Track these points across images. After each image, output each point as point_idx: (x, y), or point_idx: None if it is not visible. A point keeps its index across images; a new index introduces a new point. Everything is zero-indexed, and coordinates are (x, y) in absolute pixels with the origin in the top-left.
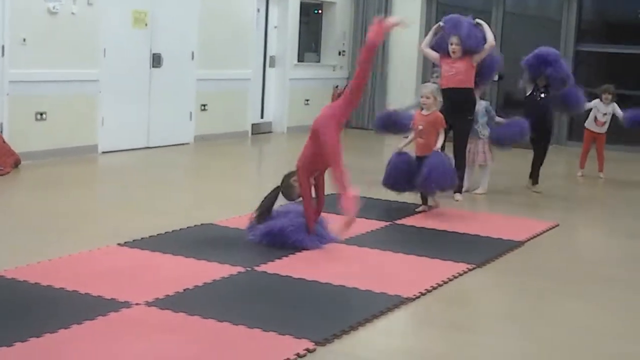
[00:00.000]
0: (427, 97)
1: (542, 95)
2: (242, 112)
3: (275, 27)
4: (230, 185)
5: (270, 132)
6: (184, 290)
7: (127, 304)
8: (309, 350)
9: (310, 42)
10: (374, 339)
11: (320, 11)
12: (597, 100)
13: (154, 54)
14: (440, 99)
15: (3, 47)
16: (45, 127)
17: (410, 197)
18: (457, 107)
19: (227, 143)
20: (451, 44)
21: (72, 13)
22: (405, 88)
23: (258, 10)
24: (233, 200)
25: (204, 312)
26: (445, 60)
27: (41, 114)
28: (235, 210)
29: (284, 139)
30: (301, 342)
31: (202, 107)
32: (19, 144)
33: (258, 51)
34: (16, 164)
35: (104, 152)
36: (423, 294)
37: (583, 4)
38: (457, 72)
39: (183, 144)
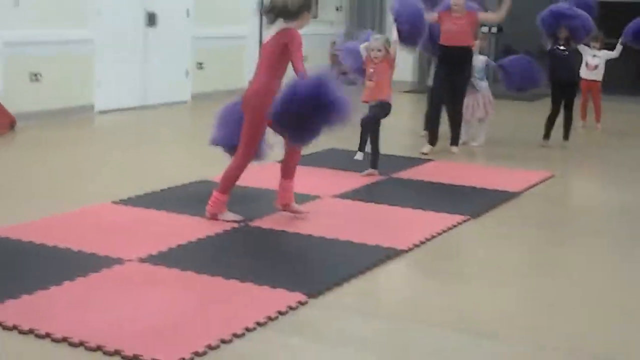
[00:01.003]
0: (379, 50)
1: (563, 48)
2: (239, 69)
3: None
4: None
5: None
6: (178, 246)
7: (119, 261)
8: (301, 303)
9: None
10: (366, 290)
11: None
12: (583, 46)
13: (148, 13)
14: (389, 49)
15: None
16: (40, 88)
17: (406, 151)
18: (457, 65)
19: (224, 101)
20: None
21: None
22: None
23: None
24: (229, 156)
25: (196, 267)
26: (447, 16)
27: (35, 75)
28: None
29: None
30: (294, 294)
31: (199, 66)
32: (14, 105)
33: (254, 8)
34: (12, 125)
35: (100, 112)
36: (417, 246)
37: None
38: (460, 29)
39: (180, 102)
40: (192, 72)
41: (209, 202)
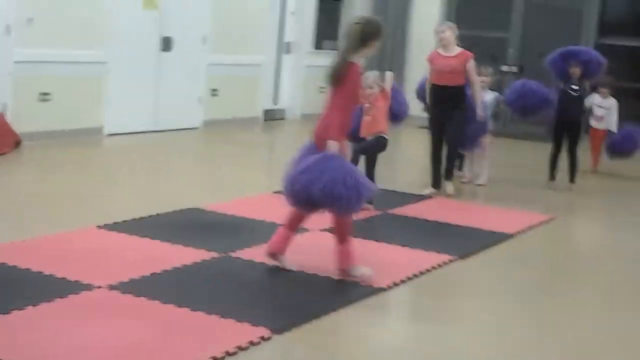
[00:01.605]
0: (371, 88)
1: (575, 87)
2: (254, 98)
3: (292, 13)
4: (231, 170)
5: (283, 118)
6: (151, 274)
7: (89, 287)
8: (263, 338)
9: (329, 29)
10: (335, 328)
11: None
12: (594, 95)
13: (164, 37)
14: (380, 83)
15: (8, 26)
16: (49, 107)
17: (411, 188)
18: (449, 104)
19: (236, 128)
20: (442, 32)
21: None
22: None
23: None
24: (229, 185)
25: (165, 297)
26: (437, 55)
27: (45, 95)
28: (231, 195)
29: (297, 125)
30: (258, 329)
31: (213, 92)
32: (22, 124)
33: (273, 37)
34: (17, 144)
35: (109, 135)
36: (397, 285)
37: None
38: (451, 69)
39: (192, 129)
40: (206, 99)
41: (272, 239)
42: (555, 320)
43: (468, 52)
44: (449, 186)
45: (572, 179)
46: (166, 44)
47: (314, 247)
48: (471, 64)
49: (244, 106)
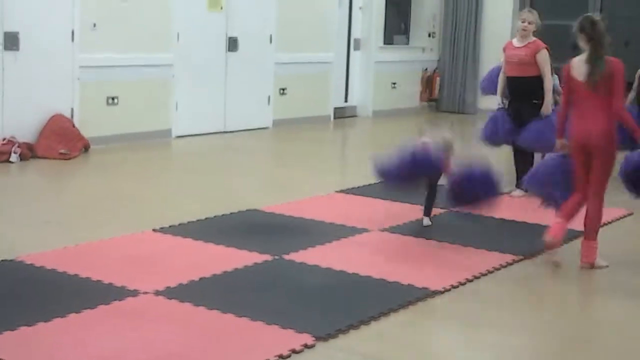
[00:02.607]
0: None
1: None
2: (324, 96)
3: (360, 8)
4: (298, 170)
5: (355, 116)
6: (200, 279)
7: (134, 293)
8: (306, 346)
9: (399, 24)
10: (383, 334)
11: None
12: None
13: (229, 38)
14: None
15: (73, 32)
16: (117, 111)
17: None
18: (522, 97)
19: (307, 128)
20: (524, 21)
21: None
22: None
23: None
24: (295, 185)
25: (211, 302)
26: (509, 45)
27: (113, 99)
28: (295, 195)
29: (369, 123)
30: (302, 336)
31: (282, 91)
32: (90, 128)
33: (342, 33)
34: (85, 148)
35: (177, 137)
36: (455, 287)
37: None
38: (519, 60)
39: (261, 129)
40: (274, 98)
41: (583, 254)
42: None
43: (540, 43)
44: (516, 192)
45: None
46: (232, 44)
47: (371, 249)
48: (542, 55)
49: (314, 105)
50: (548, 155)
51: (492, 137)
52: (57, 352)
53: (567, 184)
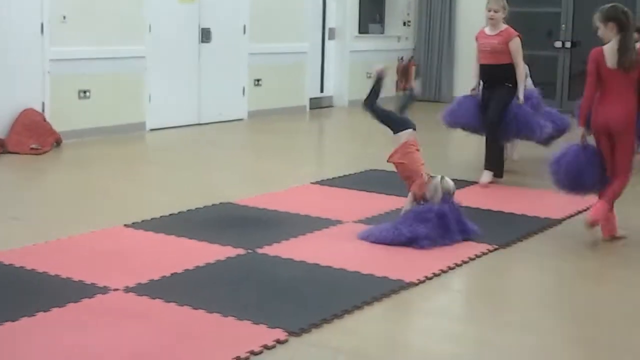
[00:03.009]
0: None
1: None
2: (299, 86)
3: None
4: (274, 162)
5: (331, 106)
6: (171, 274)
7: (104, 290)
8: (279, 341)
9: (374, 13)
10: (358, 328)
11: None
12: None
13: (202, 29)
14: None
15: (42, 25)
16: (89, 105)
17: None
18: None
19: (283, 118)
20: (491, 11)
21: None
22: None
23: None
24: (270, 177)
25: (182, 298)
26: (481, 34)
27: (84, 92)
28: (269, 187)
29: (345, 113)
30: (274, 331)
31: (256, 82)
32: (62, 123)
33: (316, 23)
34: (57, 142)
35: (151, 130)
36: (429, 278)
37: None
38: (492, 48)
39: (236, 120)
40: (249, 89)
41: (592, 210)
42: (595, 313)
43: (512, 31)
44: (485, 175)
45: None
46: (205, 35)
47: (345, 240)
48: (515, 43)
49: (289, 95)
50: (566, 144)
51: (449, 118)
52: (23, 352)
53: (594, 171)
